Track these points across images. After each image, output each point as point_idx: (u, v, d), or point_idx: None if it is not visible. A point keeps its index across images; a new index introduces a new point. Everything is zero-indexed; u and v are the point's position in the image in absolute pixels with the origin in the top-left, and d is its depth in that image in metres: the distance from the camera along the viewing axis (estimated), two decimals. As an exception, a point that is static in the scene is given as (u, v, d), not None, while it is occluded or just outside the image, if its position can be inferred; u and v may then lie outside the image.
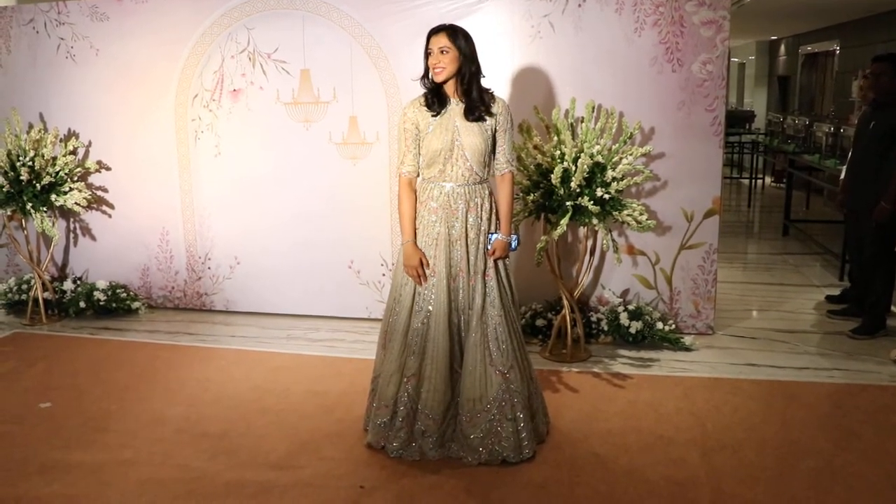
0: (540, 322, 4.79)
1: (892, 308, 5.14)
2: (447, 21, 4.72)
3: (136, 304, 5.55)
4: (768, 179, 12.28)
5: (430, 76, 3.29)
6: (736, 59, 17.27)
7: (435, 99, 3.28)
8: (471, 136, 3.26)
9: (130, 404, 4.00)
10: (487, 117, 3.30)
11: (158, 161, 5.47)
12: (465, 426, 3.30)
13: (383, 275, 5.21)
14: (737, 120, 13.59)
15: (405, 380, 3.31)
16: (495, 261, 3.35)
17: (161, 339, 5.06)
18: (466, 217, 3.30)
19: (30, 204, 5.18)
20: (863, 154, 5.04)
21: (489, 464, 3.28)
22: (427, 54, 3.28)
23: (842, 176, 5.62)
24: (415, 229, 3.34)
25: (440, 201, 3.30)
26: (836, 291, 5.75)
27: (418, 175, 3.37)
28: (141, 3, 5.28)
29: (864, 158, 5.01)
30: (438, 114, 3.27)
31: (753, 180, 11.05)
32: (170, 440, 3.59)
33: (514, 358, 3.33)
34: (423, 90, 3.34)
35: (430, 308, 3.31)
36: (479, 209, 3.32)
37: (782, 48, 14.22)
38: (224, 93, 5.27)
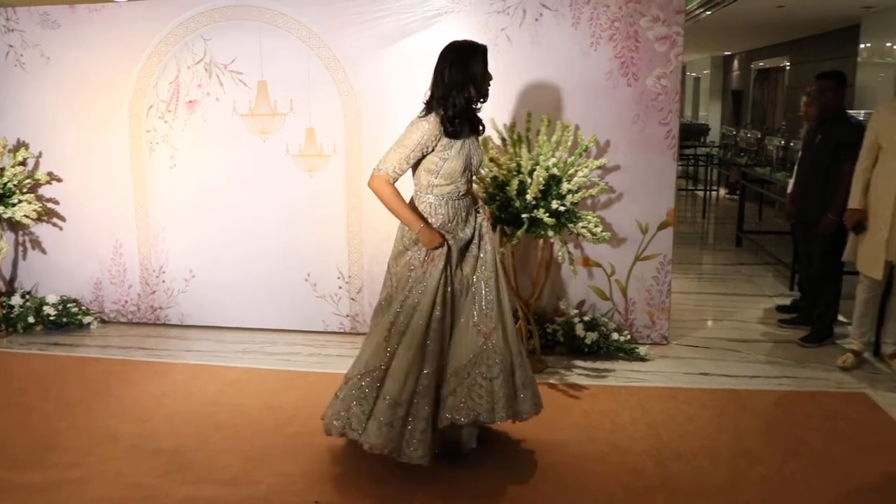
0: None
1: (840, 317, 5.27)
2: (405, 33, 4.80)
3: (87, 319, 5.44)
4: (723, 191, 12.48)
5: (479, 97, 3.31)
6: (693, 74, 17.58)
7: (464, 122, 3.31)
8: (478, 152, 3.41)
9: (81, 421, 3.92)
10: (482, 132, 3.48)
11: (112, 173, 5.38)
12: (448, 390, 3.26)
13: (340, 287, 5.19)
14: (692, 133, 13.83)
15: (422, 375, 3.24)
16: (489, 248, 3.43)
17: (114, 354, 4.97)
18: (465, 226, 3.38)
19: (-23, 216, 5.07)
20: (810, 168, 5.17)
21: (472, 423, 3.28)
22: (487, 76, 3.29)
23: (789, 189, 5.74)
24: (420, 214, 3.32)
25: (449, 215, 3.34)
26: (787, 301, 5.87)
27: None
28: (94, 11, 5.21)
29: (811, 172, 5.14)
30: (458, 136, 3.29)
31: (708, 192, 11.22)
32: (122, 458, 3.52)
33: (498, 321, 3.33)
34: (438, 110, 3.27)
35: (437, 311, 3.30)
36: (472, 216, 3.42)
37: (736, 63, 14.52)
38: (180, 104, 5.22)
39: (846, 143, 4.77)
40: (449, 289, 3.33)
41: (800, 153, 5.62)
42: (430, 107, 3.30)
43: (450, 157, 3.27)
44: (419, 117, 3.30)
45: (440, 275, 3.29)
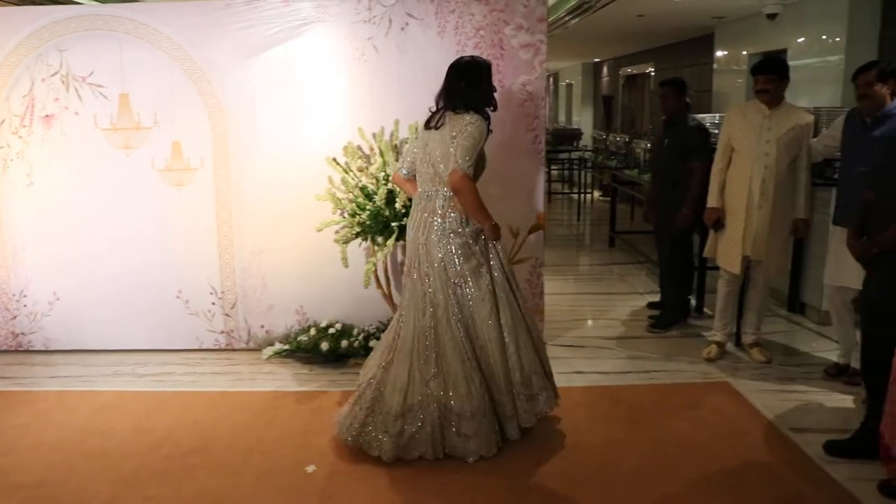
0: (374, 343, 4.78)
1: (705, 310, 5.55)
2: (271, 43, 4.74)
3: (-60, 349, 5.10)
4: (597, 194, 12.90)
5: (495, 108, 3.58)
6: (566, 81, 18.11)
7: None
8: None
9: (-68, 459, 3.67)
10: None
11: (-38, 193, 5.07)
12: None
13: (213, 303, 5.06)
14: (565, 137, 14.22)
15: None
16: None
17: (-30, 384, 4.68)
18: None
19: None
20: (662, 169, 5.46)
21: None
22: None
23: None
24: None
25: None
26: (657, 298, 6.11)
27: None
28: (-66, 21, 4.90)
29: (663, 173, 5.43)
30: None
31: (582, 195, 11.57)
32: (-23, 495, 3.32)
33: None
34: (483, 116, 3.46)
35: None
36: None
37: (605, 70, 15.05)
38: (35, 118, 4.96)
39: (690, 145, 5.09)
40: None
41: (654, 156, 5.92)
42: (457, 108, 3.42)
43: (484, 156, 3.44)
44: (469, 115, 3.38)
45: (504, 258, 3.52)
